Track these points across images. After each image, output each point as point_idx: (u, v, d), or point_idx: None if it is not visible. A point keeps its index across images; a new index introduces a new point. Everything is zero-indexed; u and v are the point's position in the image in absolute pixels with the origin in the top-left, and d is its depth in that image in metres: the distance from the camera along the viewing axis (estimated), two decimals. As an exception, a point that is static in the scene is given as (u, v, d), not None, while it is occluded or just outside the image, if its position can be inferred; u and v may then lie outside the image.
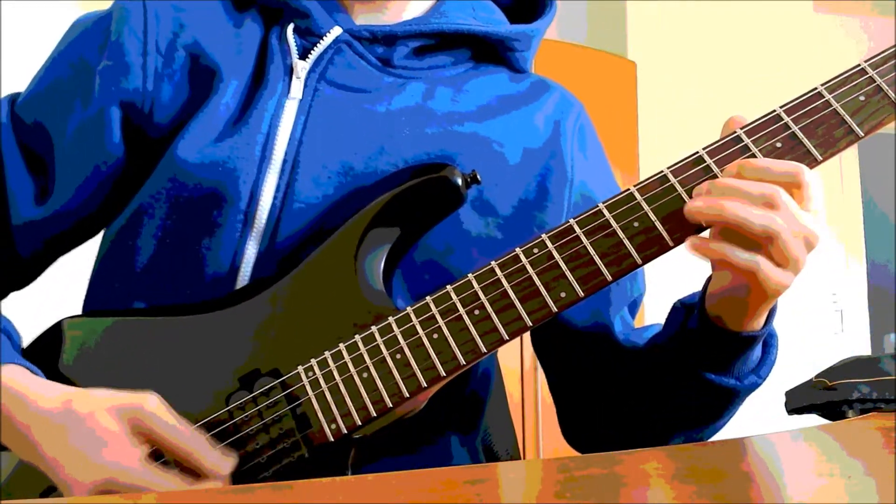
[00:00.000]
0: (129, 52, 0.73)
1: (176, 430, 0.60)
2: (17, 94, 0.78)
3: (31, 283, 0.79)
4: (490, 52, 0.82)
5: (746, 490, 0.42)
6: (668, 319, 0.74)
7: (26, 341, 0.71)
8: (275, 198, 0.70)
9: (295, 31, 0.76)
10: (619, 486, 0.45)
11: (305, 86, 0.74)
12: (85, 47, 0.75)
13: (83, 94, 0.73)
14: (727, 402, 0.71)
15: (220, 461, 0.61)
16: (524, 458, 1.66)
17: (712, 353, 0.68)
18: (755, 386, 0.70)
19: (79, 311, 0.74)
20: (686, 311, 0.71)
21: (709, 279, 0.68)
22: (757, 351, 0.69)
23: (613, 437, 0.80)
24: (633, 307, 0.83)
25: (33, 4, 2.67)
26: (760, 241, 0.58)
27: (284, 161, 0.71)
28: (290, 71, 0.74)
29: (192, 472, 0.60)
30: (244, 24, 0.77)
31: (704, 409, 0.73)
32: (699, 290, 0.69)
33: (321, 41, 0.75)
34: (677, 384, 0.71)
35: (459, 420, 0.76)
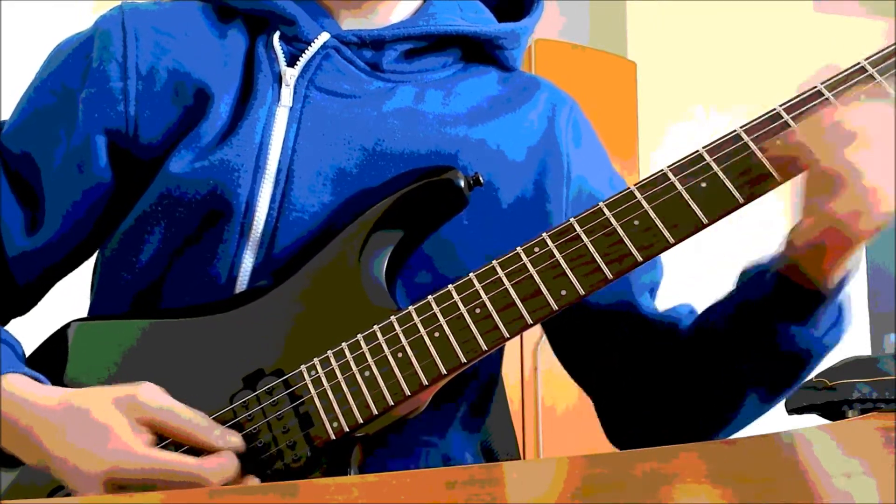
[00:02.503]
0: (111, 77, 0.73)
1: (174, 413, 0.60)
2: (2, 124, 0.77)
3: (31, 309, 0.80)
4: (479, 51, 0.82)
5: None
6: (739, 282, 0.72)
7: (27, 349, 0.71)
8: (270, 207, 0.70)
9: (281, 38, 0.75)
10: (622, 486, 0.45)
11: (295, 93, 0.73)
12: (67, 75, 0.75)
13: (68, 124, 0.73)
14: (806, 359, 0.69)
15: (224, 437, 0.61)
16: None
17: (792, 305, 0.66)
18: (836, 341, 0.68)
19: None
20: (758, 275, 0.69)
21: (789, 236, 0.66)
22: (834, 310, 0.67)
23: (667, 424, 0.78)
24: (653, 292, 0.82)
25: (33, 4, 2.67)
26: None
27: (279, 170, 0.71)
28: (278, 79, 0.74)
29: (200, 453, 0.60)
30: (228, 34, 0.76)
31: (783, 369, 0.70)
32: (769, 255, 0.68)
33: (309, 47, 0.75)
34: (753, 345, 0.69)
35: (462, 420, 0.76)
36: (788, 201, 0.65)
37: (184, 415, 0.60)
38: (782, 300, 0.66)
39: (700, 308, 0.79)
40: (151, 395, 0.60)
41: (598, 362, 0.81)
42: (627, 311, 0.79)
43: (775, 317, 0.67)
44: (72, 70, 0.75)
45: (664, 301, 0.83)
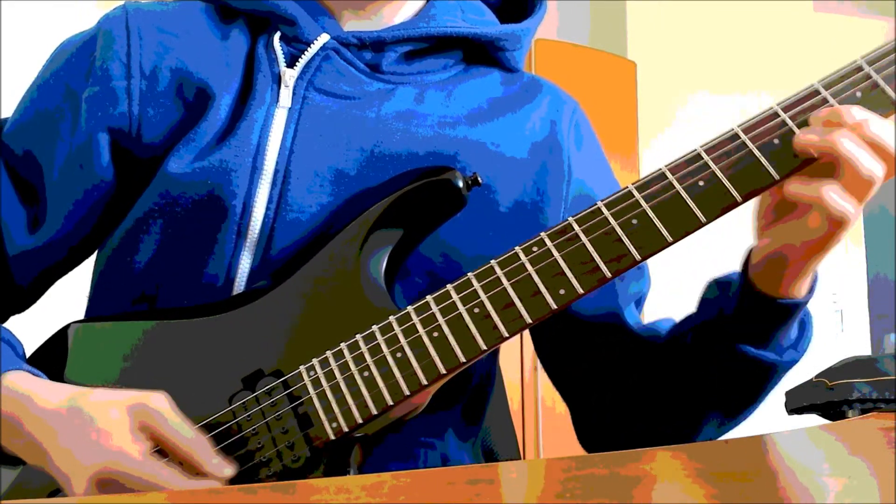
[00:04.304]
0: (114, 76, 0.73)
1: (180, 429, 0.60)
2: (4, 122, 0.78)
3: (29, 307, 0.80)
4: (481, 52, 0.82)
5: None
6: (702, 298, 0.73)
7: (25, 348, 0.71)
8: (268, 208, 0.70)
9: (282, 38, 0.75)
10: (619, 486, 0.45)
11: (294, 94, 0.73)
12: (70, 74, 0.75)
13: (71, 122, 0.73)
14: (765, 379, 0.69)
15: (220, 466, 0.61)
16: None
17: (754, 324, 0.67)
18: (793, 362, 0.69)
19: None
20: (721, 289, 0.70)
21: (748, 252, 0.67)
22: (794, 328, 0.68)
23: (637, 432, 0.78)
24: (639, 303, 0.83)
25: (34, 4, 2.67)
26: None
27: (276, 171, 0.71)
28: (278, 79, 0.74)
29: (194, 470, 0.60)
30: (230, 35, 0.76)
31: (742, 389, 0.71)
32: (733, 271, 0.69)
33: (308, 48, 0.75)
34: (714, 364, 0.70)
35: (460, 421, 0.76)
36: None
37: (188, 434, 0.60)
38: (742, 321, 0.67)
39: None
40: (162, 407, 0.60)
41: (580, 371, 0.81)
42: (613, 323, 0.79)
43: (735, 338, 0.68)
44: (75, 69, 0.75)
45: (657, 309, 0.83)
